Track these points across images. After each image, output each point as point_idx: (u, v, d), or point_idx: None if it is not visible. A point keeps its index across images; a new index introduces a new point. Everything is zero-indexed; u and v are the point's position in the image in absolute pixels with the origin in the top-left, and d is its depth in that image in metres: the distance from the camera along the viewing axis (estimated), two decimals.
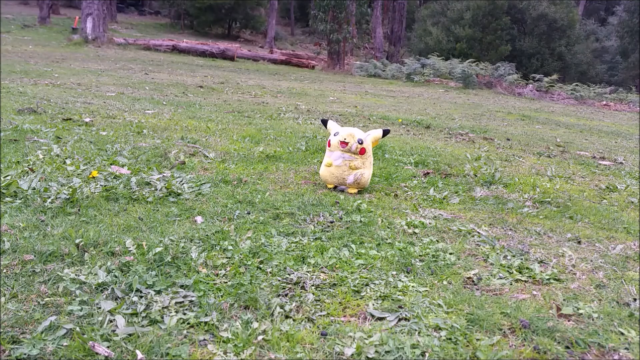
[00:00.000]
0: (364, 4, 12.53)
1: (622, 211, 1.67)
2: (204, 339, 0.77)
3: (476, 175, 1.97)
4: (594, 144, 3.30)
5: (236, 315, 0.84)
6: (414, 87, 8.18)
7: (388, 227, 1.29)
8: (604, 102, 8.08)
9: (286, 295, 0.92)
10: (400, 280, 1.00)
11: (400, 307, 0.90)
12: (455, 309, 0.90)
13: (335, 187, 1.64)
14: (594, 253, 1.24)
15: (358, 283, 0.98)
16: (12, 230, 1.10)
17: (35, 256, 0.98)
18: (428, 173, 1.96)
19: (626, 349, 0.82)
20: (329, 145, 1.63)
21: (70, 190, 1.37)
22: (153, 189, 1.46)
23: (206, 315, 0.83)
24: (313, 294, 0.93)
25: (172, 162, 1.79)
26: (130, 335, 0.76)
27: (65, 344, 0.73)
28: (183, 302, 0.86)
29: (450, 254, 1.16)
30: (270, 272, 1.00)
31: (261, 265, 1.03)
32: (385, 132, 1.65)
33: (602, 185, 2.05)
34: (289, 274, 1.00)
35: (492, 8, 11.80)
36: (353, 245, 1.15)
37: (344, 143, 1.58)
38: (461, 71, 9.10)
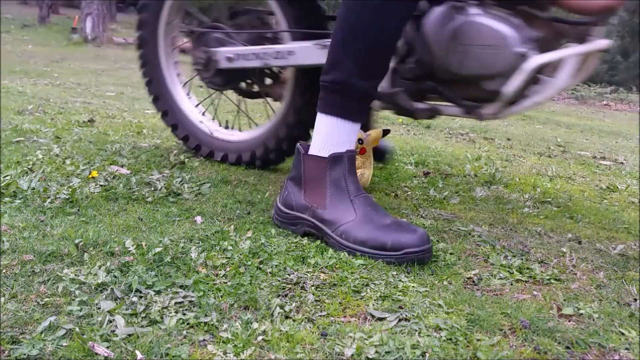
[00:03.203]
0: None
1: (622, 211, 1.67)
2: (204, 339, 0.77)
3: (476, 175, 1.97)
4: (594, 144, 3.30)
5: (236, 316, 0.84)
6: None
7: None
8: (605, 102, 8.07)
9: (286, 295, 0.92)
10: (400, 280, 1.00)
11: (400, 307, 0.89)
12: (455, 309, 0.90)
13: None
14: (594, 253, 1.24)
15: (358, 283, 0.98)
16: (11, 230, 1.09)
17: (34, 256, 0.98)
18: (428, 173, 1.95)
19: (627, 349, 0.81)
20: None
21: (70, 190, 1.37)
22: (153, 189, 1.46)
23: (206, 315, 0.82)
24: (313, 294, 0.92)
25: (172, 162, 1.79)
26: (129, 335, 0.76)
27: (64, 344, 0.73)
28: (183, 302, 0.86)
29: (451, 254, 1.15)
30: (270, 273, 1.00)
31: (261, 266, 1.03)
32: (386, 132, 1.64)
33: (602, 185, 2.05)
34: (289, 274, 0.99)
35: None
36: None
37: None
38: None
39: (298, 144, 1.25)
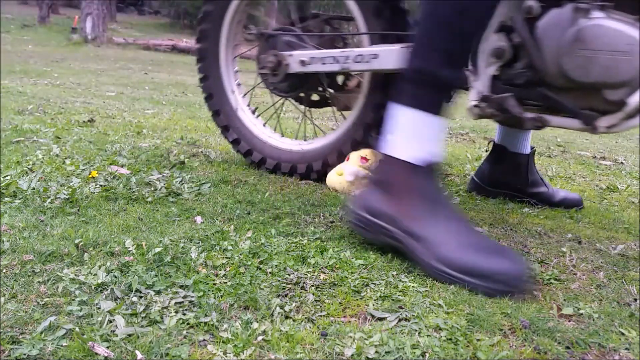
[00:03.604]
0: None
1: (622, 211, 1.67)
2: (204, 339, 0.77)
3: None
4: (594, 144, 3.30)
5: (236, 316, 0.84)
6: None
7: None
8: None
9: (286, 295, 0.92)
10: (400, 280, 1.00)
11: (400, 307, 0.89)
12: (455, 309, 0.90)
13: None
14: (594, 253, 1.24)
15: (358, 283, 0.98)
16: (11, 230, 1.09)
17: (34, 256, 0.98)
18: None
19: (627, 349, 0.81)
20: (347, 158, 1.61)
21: (70, 190, 1.37)
22: (153, 189, 1.46)
23: (206, 315, 0.82)
24: (313, 294, 0.92)
25: (172, 162, 1.79)
26: (129, 335, 0.76)
27: (64, 344, 0.73)
28: (183, 302, 0.86)
29: None
30: (270, 273, 1.00)
31: (261, 266, 1.03)
32: None
33: (602, 185, 2.05)
34: (289, 274, 0.99)
35: None
36: (353, 246, 1.15)
37: (364, 159, 1.56)
38: None
39: (380, 140, 1.13)
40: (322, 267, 1.04)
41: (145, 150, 1.93)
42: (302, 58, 1.58)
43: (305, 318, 0.85)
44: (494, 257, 0.96)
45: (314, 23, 1.73)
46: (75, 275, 0.92)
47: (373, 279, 1.00)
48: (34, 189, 1.36)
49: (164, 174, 1.61)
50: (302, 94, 1.77)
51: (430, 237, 1.00)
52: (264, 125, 1.87)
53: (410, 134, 1.07)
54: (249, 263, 1.03)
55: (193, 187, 1.51)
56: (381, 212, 1.08)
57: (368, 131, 1.61)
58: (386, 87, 1.56)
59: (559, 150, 2.90)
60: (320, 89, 1.77)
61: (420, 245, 1.01)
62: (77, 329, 0.76)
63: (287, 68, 1.62)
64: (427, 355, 0.76)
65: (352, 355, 0.75)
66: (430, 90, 1.07)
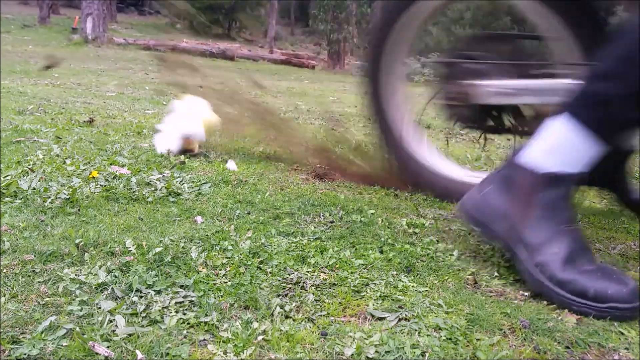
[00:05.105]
0: (364, 4, 12.54)
1: (622, 211, 1.67)
2: (204, 339, 0.77)
3: None
4: None
5: (236, 315, 0.84)
6: (414, 87, 8.18)
7: (388, 227, 1.29)
8: None
9: (286, 295, 0.92)
10: (400, 280, 1.00)
11: (400, 307, 0.90)
12: (455, 309, 0.90)
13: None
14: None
15: (358, 283, 0.98)
16: (12, 230, 1.10)
17: (35, 256, 0.98)
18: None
19: (626, 349, 0.82)
20: None
21: (70, 190, 1.37)
22: (153, 189, 1.46)
23: (206, 315, 0.83)
24: (313, 294, 0.93)
25: (172, 162, 1.79)
26: (130, 335, 0.76)
27: (65, 344, 0.73)
28: (183, 302, 0.86)
29: (451, 254, 1.15)
30: (270, 272, 1.00)
31: (261, 265, 1.03)
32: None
33: None
34: (289, 274, 0.99)
35: (492, 8, 11.78)
36: (353, 245, 1.15)
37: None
38: None
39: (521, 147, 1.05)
40: (322, 267, 1.04)
41: (146, 151, 1.94)
42: (499, 89, 1.39)
43: (305, 318, 0.85)
44: (599, 279, 0.92)
45: (496, 45, 1.53)
46: (76, 275, 0.92)
47: (373, 279, 1.00)
48: (34, 189, 1.37)
49: (164, 174, 1.61)
50: (489, 124, 1.56)
51: (536, 245, 0.97)
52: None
53: (555, 147, 0.99)
54: (249, 263, 1.03)
55: (193, 187, 1.51)
56: (497, 208, 1.05)
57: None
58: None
59: None
60: (507, 116, 1.55)
61: (522, 249, 0.99)
62: (77, 328, 0.76)
63: (478, 99, 1.42)
64: (427, 355, 0.76)
65: (352, 354, 0.75)
66: (607, 116, 0.97)
